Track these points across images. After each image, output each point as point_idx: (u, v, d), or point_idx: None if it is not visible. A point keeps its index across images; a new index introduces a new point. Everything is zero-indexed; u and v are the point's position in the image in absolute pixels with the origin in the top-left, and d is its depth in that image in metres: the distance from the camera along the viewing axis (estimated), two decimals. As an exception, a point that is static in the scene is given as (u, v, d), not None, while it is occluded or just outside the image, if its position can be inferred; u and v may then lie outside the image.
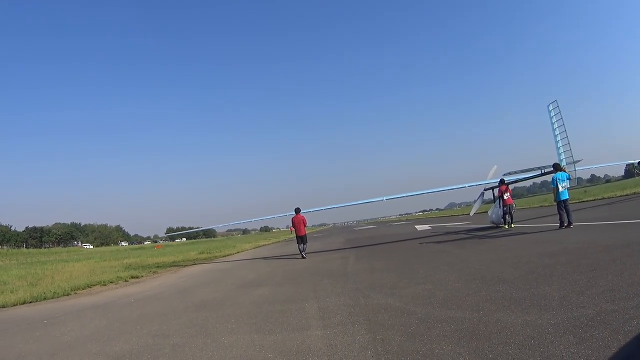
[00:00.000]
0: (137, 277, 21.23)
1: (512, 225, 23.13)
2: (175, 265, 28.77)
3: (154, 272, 23.72)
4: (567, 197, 18.17)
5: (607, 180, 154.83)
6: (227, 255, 36.48)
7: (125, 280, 20.11)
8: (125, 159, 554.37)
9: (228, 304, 10.81)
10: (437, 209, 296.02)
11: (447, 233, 27.81)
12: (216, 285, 15.46)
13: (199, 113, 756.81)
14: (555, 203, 18.72)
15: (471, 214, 35.55)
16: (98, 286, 18.41)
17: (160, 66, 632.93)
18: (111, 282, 19.32)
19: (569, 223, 17.56)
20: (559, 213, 18.09)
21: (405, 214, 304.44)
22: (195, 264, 29.63)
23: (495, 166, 30.50)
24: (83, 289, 17.78)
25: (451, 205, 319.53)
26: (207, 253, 39.82)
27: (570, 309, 6.15)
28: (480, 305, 7.13)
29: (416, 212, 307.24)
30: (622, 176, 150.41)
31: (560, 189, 18.15)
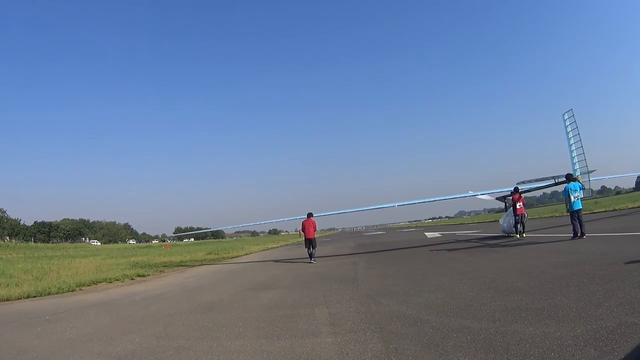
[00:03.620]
0: (144, 276, 21.08)
1: (524, 235, 22.72)
2: (183, 265, 28.64)
3: (161, 272, 23.56)
4: (580, 208, 17.83)
5: (618, 192, 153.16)
6: (236, 257, 36.29)
7: (132, 279, 19.98)
8: (135, 158, 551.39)
9: (235, 306, 10.65)
10: (446, 217, 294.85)
11: (458, 241, 27.55)
12: (224, 286, 15.33)
13: (211, 113, 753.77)
14: (568, 213, 18.43)
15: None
16: (104, 283, 18.32)
17: (171, 66, 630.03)
18: (117, 280, 19.23)
19: (582, 234, 17.28)
20: (572, 223, 17.78)
21: (414, 221, 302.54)
22: (203, 264, 29.48)
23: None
24: (88, 285, 17.65)
25: (461, 214, 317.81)
26: (215, 254, 39.60)
27: (589, 320, 5.94)
28: (496, 315, 6.91)
29: (425, 220, 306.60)
30: (633, 188, 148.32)
31: (573, 199, 17.86)
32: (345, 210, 30.85)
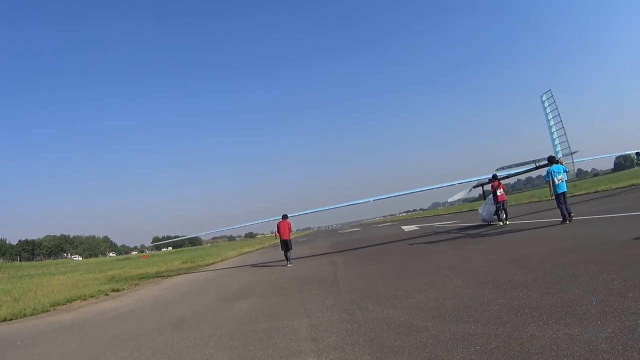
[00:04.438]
0: (118, 290, 20.52)
1: (507, 222, 22.10)
2: (159, 276, 27.90)
3: (136, 285, 22.96)
4: (565, 190, 17.27)
5: (596, 174, 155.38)
6: (211, 264, 35.62)
7: (106, 294, 19.37)
8: (110, 169, 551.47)
9: (208, 320, 9.74)
10: (421, 209, 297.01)
11: (438, 233, 26.92)
12: (197, 297, 14.59)
13: (182, 120, 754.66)
14: (552, 197, 18.02)
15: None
16: (78, 301, 17.69)
17: (142, 77, 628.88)
18: (92, 297, 18.61)
19: (569, 216, 16.72)
20: (559, 207, 17.22)
21: (389, 215, 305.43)
22: (179, 274, 28.76)
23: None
24: (63, 304, 17.10)
25: (435, 205, 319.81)
26: (191, 262, 39.07)
27: (618, 316, 5.06)
28: (502, 316, 5.97)
29: (400, 213, 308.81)
30: (612, 169, 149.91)
31: (557, 182, 17.26)
32: (320, 209, 29.62)
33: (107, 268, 42.95)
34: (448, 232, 25.82)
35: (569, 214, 16.75)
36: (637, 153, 31.98)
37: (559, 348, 4.47)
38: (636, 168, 35.26)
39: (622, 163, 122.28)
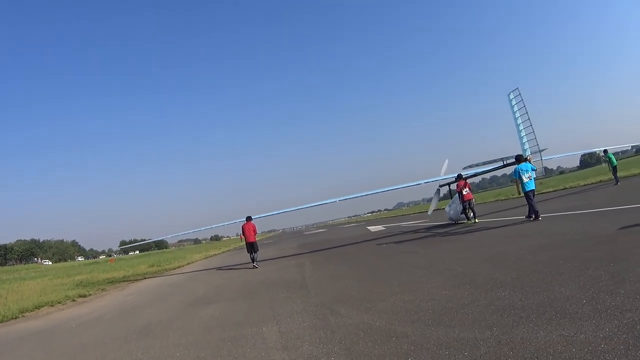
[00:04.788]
0: (85, 296, 20.22)
1: (476, 220, 22.10)
2: (126, 280, 27.63)
3: (103, 290, 22.60)
4: (534, 188, 17.26)
5: (561, 171, 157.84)
6: (178, 268, 35.03)
7: (73, 300, 19.04)
8: (78, 174, 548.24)
9: (174, 328, 9.22)
10: (385, 210, 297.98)
11: (405, 232, 26.67)
12: (163, 303, 14.10)
13: (148, 120, 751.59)
14: (521, 195, 18.19)
15: (429, 212, 33.72)
16: (46, 307, 17.47)
17: (106, 81, 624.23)
18: (59, 303, 18.38)
19: (536, 214, 16.77)
20: (529, 204, 17.18)
21: (354, 216, 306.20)
22: (145, 278, 28.33)
23: (447, 160, 29.89)
24: (31, 310, 16.94)
25: (399, 205, 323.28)
26: (157, 266, 38.68)
27: (613, 314, 4.79)
28: (487, 318, 5.57)
29: (365, 214, 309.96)
30: (578, 167, 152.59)
31: (525, 180, 17.17)
32: (286, 210, 29.19)
33: (75, 273, 42.81)
34: (416, 231, 25.58)
35: (536, 212, 16.75)
36: (604, 151, 32.20)
37: (555, 351, 4.13)
38: (603, 165, 35.49)
39: (588, 161, 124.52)
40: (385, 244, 20.83)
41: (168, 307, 12.74)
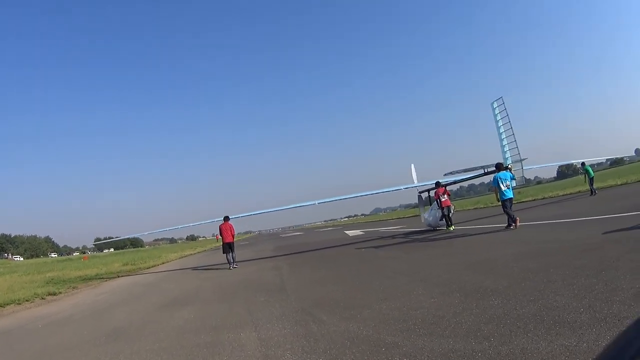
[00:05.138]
0: (55, 294, 19.40)
1: (452, 228, 22.13)
2: (99, 278, 26.88)
3: (74, 288, 21.87)
4: (512, 197, 17.61)
5: (539, 181, 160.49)
6: (152, 267, 34.32)
7: (42, 298, 18.29)
8: (52, 167, 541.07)
9: (146, 332, 8.65)
10: (362, 215, 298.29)
11: (384, 237, 26.44)
12: (136, 304, 13.45)
13: (123, 114, 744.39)
14: (499, 203, 18.03)
15: (423, 220, 32.83)
16: (12, 305, 16.69)
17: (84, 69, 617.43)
18: (27, 301, 17.57)
19: (514, 222, 16.80)
20: (506, 212, 17.29)
21: (330, 220, 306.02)
22: (119, 276, 27.70)
23: (412, 165, 30.71)
24: None
25: (377, 211, 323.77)
26: (132, 264, 37.70)
27: (613, 322, 4.60)
28: (483, 328, 5.23)
29: (342, 218, 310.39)
30: (555, 177, 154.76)
31: (504, 188, 17.33)
32: (264, 210, 28.87)
33: (47, 269, 41.12)
34: (395, 236, 25.43)
35: (513, 219, 16.80)
36: (582, 163, 33.10)
37: (559, 364, 3.82)
38: (580, 176, 36.30)
39: (565, 172, 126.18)
40: (365, 248, 20.57)
41: (141, 308, 12.24)
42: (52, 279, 27.92)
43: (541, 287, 6.66)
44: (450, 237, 18.05)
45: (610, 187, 35.39)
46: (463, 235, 17.91)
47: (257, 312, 8.69)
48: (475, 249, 13.24)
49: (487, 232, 17.42)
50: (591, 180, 30.65)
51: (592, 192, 30.10)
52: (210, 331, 7.62)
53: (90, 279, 26.60)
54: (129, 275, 27.89)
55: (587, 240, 10.43)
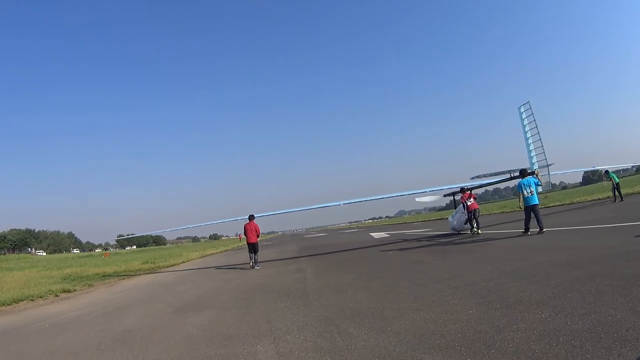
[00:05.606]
0: (69, 291, 19.17)
1: (479, 231, 21.68)
2: (118, 275, 27.08)
3: (90, 285, 21.54)
4: (537, 203, 17.31)
5: (564, 187, 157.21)
6: (172, 266, 33.98)
7: (56, 295, 18.09)
8: (80, 165, 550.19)
9: (156, 338, 8.06)
10: (386, 217, 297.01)
11: (410, 240, 26.05)
12: (149, 305, 12.99)
13: (150, 116, 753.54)
14: (522, 209, 17.94)
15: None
16: (25, 302, 16.56)
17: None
18: (40, 297, 17.42)
19: (540, 229, 16.41)
20: (526, 219, 17.27)
21: (355, 222, 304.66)
22: (137, 274, 27.50)
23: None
24: (9, 304, 16.02)
25: (401, 213, 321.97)
26: (152, 263, 37.63)
27: None
28: (533, 347, 4.57)
29: (366, 220, 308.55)
30: (580, 183, 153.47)
31: (526, 194, 17.23)
32: (289, 210, 28.89)
33: (66, 265, 41.85)
34: (421, 239, 24.81)
35: (541, 229, 16.37)
36: (605, 171, 32.89)
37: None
38: (604, 184, 36.25)
39: (590, 177, 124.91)
40: (392, 251, 19.88)
41: (154, 311, 11.77)
42: (70, 275, 28.21)
43: (590, 298, 6.00)
44: (481, 242, 17.52)
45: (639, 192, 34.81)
46: (491, 239, 17.62)
47: (276, 320, 8.09)
48: (510, 254, 12.57)
49: (514, 237, 16.90)
50: (617, 186, 30.00)
51: (617, 198, 29.72)
52: (224, 341, 7.02)
53: (107, 277, 26.46)
54: (147, 274, 27.62)
55: (630, 248, 9.73)
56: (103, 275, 27.48)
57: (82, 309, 13.72)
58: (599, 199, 36.21)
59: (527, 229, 16.94)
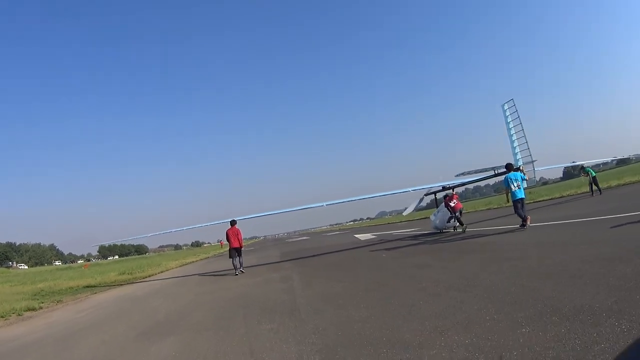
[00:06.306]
0: (34, 310, 18.12)
1: (464, 230, 21.72)
2: (90, 289, 25.93)
3: (58, 302, 20.35)
4: (524, 197, 17.57)
5: (544, 182, 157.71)
6: (149, 276, 32.61)
7: (19, 314, 16.96)
8: (61, 175, 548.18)
9: None
10: (368, 218, 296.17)
11: (400, 240, 25.13)
12: (111, 328, 11.13)
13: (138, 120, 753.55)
14: (510, 204, 18.24)
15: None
16: None
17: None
18: (1, 317, 16.35)
19: (524, 221, 16.88)
20: (517, 213, 17.39)
21: (336, 224, 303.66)
22: (111, 287, 26.29)
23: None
24: None
25: (382, 214, 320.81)
26: (128, 274, 36.62)
27: None
28: None
29: (347, 222, 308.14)
30: (561, 178, 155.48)
31: (513, 188, 17.51)
32: (270, 212, 28.89)
33: (41, 279, 40.65)
34: (411, 239, 23.68)
35: (525, 219, 16.82)
36: (581, 167, 33.98)
37: None
38: (582, 179, 37.12)
39: (571, 172, 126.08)
40: (384, 254, 18.15)
41: (114, 335, 9.97)
42: (42, 291, 27.09)
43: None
44: (471, 239, 17.15)
45: (627, 184, 36.08)
46: (484, 236, 17.41)
47: (262, 349, 6.17)
48: (522, 252, 11.13)
49: (509, 232, 16.78)
50: (594, 179, 30.85)
51: (596, 192, 30.69)
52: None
53: (80, 291, 25.37)
54: (121, 286, 26.42)
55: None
56: (76, 289, 26.38)
57: (39, 332, 12.26)
58: (580, 194, 37.12)
59: (525, 219, 16.78)
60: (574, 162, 40.21)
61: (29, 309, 17.98)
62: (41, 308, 18.50)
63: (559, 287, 6.40)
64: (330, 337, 6.28)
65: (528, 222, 16.66)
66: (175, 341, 7.96)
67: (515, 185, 17.37)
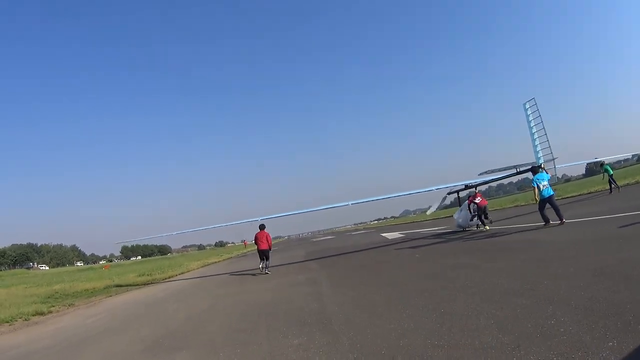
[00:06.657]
0: (43, 314, 17.23)
1: (487, 227, 22.47)
2: (107, 291, 24.92)
3: (70, 305, 19.48)
4: (553, 194, 18.03)
5: (567, 179, 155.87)
6: (169, 278, 31.70)
7: (26, 319, 16.09)
8: (85, 177, 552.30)
9: None
10: (392, 217, 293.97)
11: (430, 238, 24.90)
12: (118, 338, 10.09)
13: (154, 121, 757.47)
14: (538, 202, 18.65)
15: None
16: None
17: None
18: (7, 322, 15.49)
19: (561, 220, 16.93)
20: (541, 213, 18.09)
21: (360, 223, 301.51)
22: (129, 289, 25.17)
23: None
24: None
25: (406, 213, 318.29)
26: (148, 275, 35.55)
27: None
28: None
29: (371, 221, 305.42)
30: (583, 174, 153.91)
31: (542, 188, 17.92)
32: (296, 212, 27.85)
33: (59, 280, 39.98)
34: (442, 238, 23.08)
35: (561, 220, 16.94)
36: (601, 164, 33.72)
37: None
38: (601, 177, 36.15)
39: (593, 169, 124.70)
40: (418, 253, 17.19)
41: (119, 347, 8.93)
42: (56, 293, 26.41)
43: None
44: (511, 237, 16.75)
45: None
46: (515, 232, 17.69)
47: None
48: (580, 252, 9.72)
49: (538, 230, 16.68)
50: (611, 177, 30.93)
51: (617, 187, 30.84)
52: None
53: (96, 293, 24.46)
54: (140, 287, 25.80)
55: None
56: (93, 291, 25.47)
57: (40, 341, 11.35)
58: (599, 191, 36.67)
59: (547, 221, 17.45)
60: (596, 158, 39.84)
61: (37, 314, 17.27)
62: (50, 312, 17.80)
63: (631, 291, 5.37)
64: (371, 357, 5.16)
65: (549, 224, 17.00)
66: (186, 358, 6.94)
67: (543, 184, 17.80)
